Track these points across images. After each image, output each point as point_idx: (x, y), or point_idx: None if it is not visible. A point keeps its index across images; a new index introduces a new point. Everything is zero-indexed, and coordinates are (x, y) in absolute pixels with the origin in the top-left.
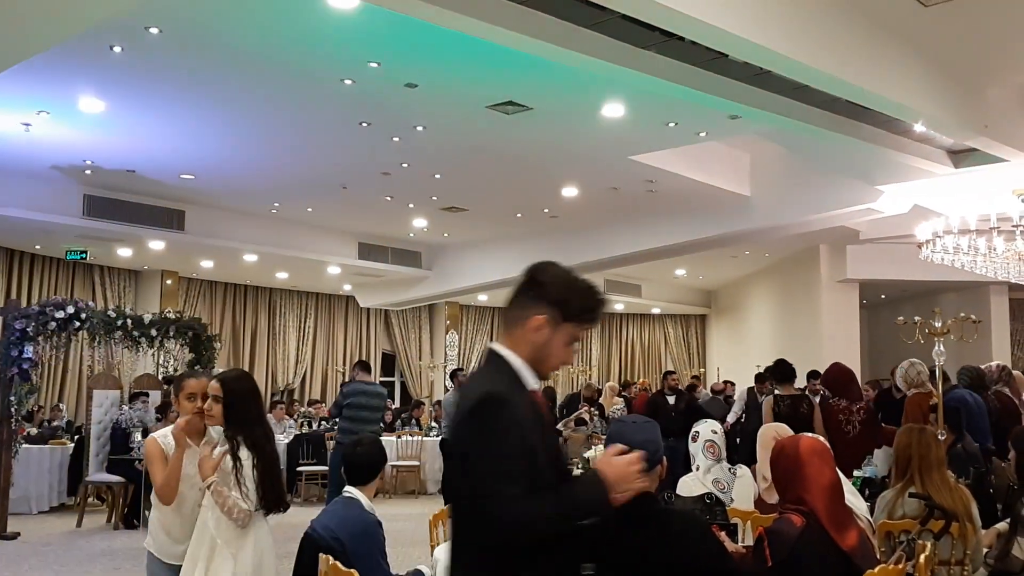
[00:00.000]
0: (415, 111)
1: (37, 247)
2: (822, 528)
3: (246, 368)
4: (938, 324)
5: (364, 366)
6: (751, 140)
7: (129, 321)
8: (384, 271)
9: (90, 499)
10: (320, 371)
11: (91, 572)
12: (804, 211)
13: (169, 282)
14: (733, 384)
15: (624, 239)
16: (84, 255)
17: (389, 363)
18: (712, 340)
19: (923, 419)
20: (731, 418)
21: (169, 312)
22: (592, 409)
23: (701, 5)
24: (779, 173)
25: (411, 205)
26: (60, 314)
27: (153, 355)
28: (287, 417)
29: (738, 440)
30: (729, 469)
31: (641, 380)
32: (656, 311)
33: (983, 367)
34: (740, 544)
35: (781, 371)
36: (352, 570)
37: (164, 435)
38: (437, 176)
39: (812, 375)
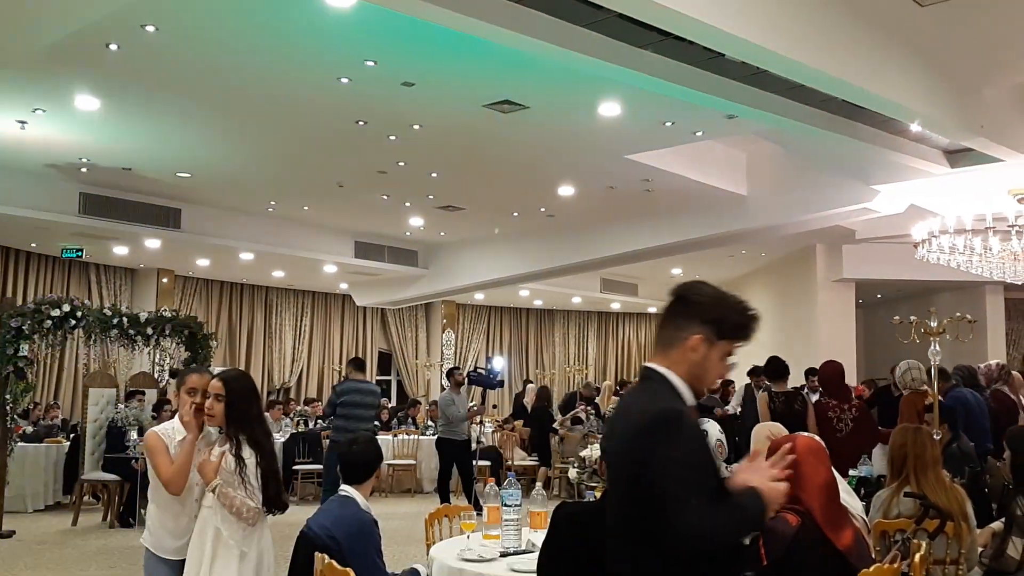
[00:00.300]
0: (411, 110)
1: (33, 245)
2: (817, 527)
3: (242, 367)
4: (934, 324)
5: (358, 364)
6: (748, 139)
7: (125, 319)
8: (380, 270)
9: (86, 497)
10: (316, 370)
11: (87, 570)
12: (800, 211)
13: (165, 280)
14: (732, 384)
15: (620, 238)
16: (80, 253)
17: (386, 362)
18: None
19: (917, 419)
20: (731, 409)
21: (165, 310)
22: (588, 408)
23: (698, 4)
24: (775, 173)
25: (407, 204)
26: (56, 312)
27: (149, 354)
28: (284, 417)
29: (736, 439)
30: (728, 469)
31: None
32: (653, 310)
33: (982, 366)
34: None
35: (774, 369)
36: (348, 569)
37: (163, 429)
38: (433, 175)
39: (811, 372)
